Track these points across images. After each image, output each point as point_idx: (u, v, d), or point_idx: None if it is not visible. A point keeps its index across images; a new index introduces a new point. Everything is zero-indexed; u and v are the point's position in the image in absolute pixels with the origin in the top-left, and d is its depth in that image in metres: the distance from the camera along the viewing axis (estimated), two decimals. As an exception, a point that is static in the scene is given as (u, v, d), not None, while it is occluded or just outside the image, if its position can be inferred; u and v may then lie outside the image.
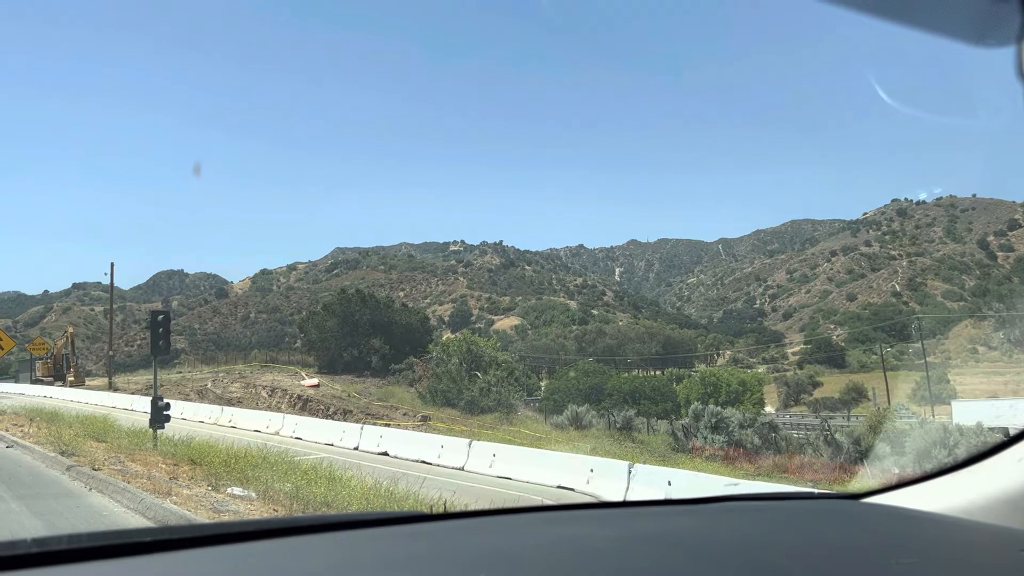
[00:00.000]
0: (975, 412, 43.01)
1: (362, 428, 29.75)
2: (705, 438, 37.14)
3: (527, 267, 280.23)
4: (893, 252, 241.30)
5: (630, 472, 18.72)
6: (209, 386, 57.03)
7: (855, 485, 23.82)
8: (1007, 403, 53.30)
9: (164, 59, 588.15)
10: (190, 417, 37.43)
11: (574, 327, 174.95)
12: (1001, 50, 0.94)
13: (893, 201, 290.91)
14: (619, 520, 2.25)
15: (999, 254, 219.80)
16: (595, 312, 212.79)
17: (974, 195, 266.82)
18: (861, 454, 30.80)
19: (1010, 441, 2.17)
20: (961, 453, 23.23)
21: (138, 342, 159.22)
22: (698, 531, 2.06)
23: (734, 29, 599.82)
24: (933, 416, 49.96)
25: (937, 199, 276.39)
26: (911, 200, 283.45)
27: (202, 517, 11.52)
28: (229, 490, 14.13)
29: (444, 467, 23.48)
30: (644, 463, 21.22)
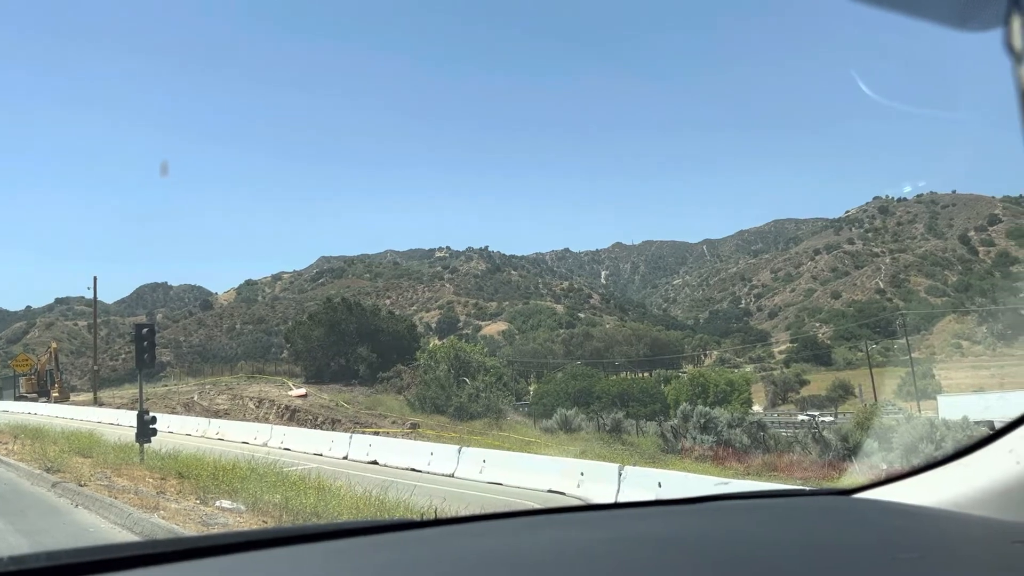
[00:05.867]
0: (961, 406, 43.40)
1: (351, 437, 29.61)
2: (694, 438, 37.23)
3: (513, 272, 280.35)
4: (876, 249, 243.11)
5: (620, 474, 18.72)
6: (196, 398, 56.64)
7: (845, 481, 23.92)
8: (992, 396, 53.75)
9: (146, 69, 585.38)
10: (177, 430, 37.11)
11: (561, 331, 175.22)
12: (984, 34, 0.92)
13: (875, 199, 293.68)
14: (609, 522, 2.23)
15: (980, 249, 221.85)
16: (582, 315, 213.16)
17: (954, 191, 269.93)
18: (849, 451, 30.96)
19: (999, 433, 2.17)
20: (948, 447, 23.41)
21: (123, 356, 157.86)
22: (689, 531, 2.04)
23: (715, 32, 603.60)
24: (919, 411, 50.37)
25: (918, 196, 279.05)
26: (892, 197, 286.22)
27: (190, 531, 11.43)
28: (218, 503, 14.02)
29: (434, 474, 23.40)
30: (634, 465, 21.24)
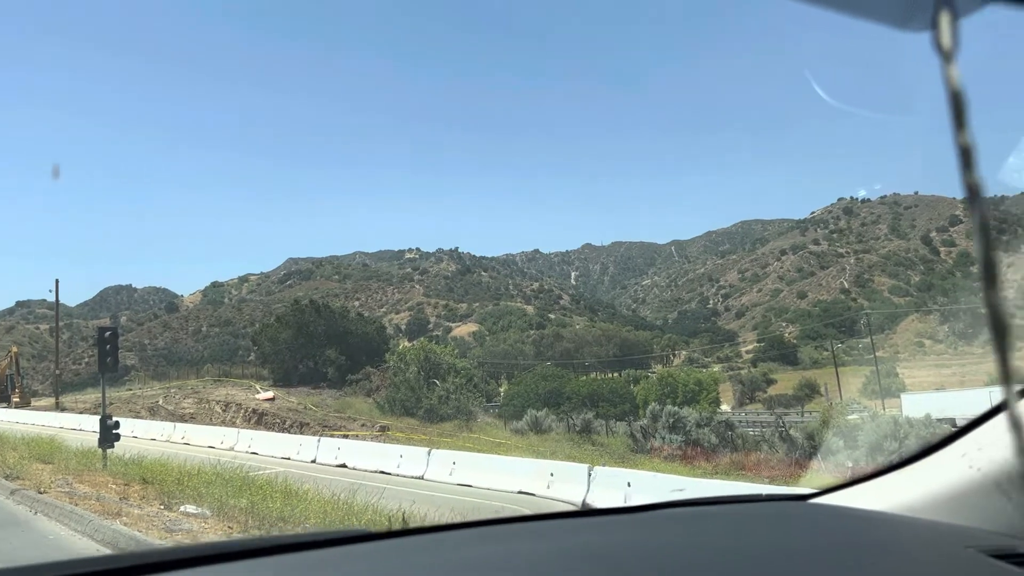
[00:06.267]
0: (924, 404, 44.14)
1: (319, 440, 29.37)
2: (663, 438, 37.41)
3: (483, 273, 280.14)
4: (841, 250, 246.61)
5: (590, 475, 18.79)
6: (161, 403, 55.80)
7: (810, 480, 24.22)
8: (954, 394, 54.77)
9: (111, 69, 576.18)
10: (141, 435, 36.56)
11: (532, 332, 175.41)
12: (926, 34, 0.92)
13: (839, 200, 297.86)
14: (564, 533, 2.21)
15: (942, 249, 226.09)
16: (552, 316, 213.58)
17: (916, 192, 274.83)
18: (815, 449, 31.31)
19: (954, 436, 2.18)
20: (911, 445, 23.80)
21: (86, 360, 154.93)
22: (645, 541, 2.03)
23: (682, 36, 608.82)
24: (884, 409, 51.06)
25: (881, 197, 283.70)
26: (856, 198, 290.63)
27: (154, 537, 11.23)
28: (182, 508, 13.80)
29: (404, 477, 23.30)
30: (604, 465, 21.32)
